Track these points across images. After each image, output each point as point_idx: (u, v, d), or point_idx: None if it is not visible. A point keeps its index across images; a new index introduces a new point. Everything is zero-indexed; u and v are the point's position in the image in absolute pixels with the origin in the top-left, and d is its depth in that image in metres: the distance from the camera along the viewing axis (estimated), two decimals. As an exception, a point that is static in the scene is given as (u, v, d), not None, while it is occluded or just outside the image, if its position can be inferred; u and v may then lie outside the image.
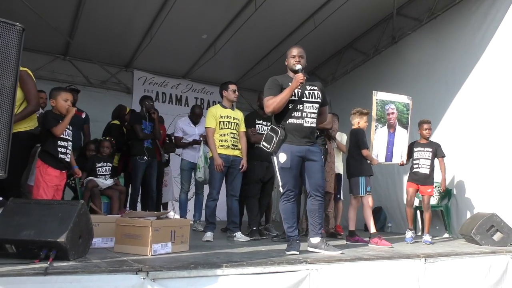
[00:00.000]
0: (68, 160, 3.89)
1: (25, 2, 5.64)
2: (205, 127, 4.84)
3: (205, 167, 5.25)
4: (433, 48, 6.60)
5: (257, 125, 5.30)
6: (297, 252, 3.48)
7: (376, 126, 5.01)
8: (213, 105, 8.03)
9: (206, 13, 6.72)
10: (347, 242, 4.77)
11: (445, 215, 5.99)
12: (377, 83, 7.28)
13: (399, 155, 5.22)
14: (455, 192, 6.03)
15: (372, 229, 4.64)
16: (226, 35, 7.28)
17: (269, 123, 5.19)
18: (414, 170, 5.32)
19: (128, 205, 5.97)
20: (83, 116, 6.06)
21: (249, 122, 5.22)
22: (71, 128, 3.95)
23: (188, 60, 8.45)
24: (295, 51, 3.76)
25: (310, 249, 3.63)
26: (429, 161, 5.26)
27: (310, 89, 3.70)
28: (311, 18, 6.97)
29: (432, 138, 5.47)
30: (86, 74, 8.06)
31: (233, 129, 4.78)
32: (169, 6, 6.26)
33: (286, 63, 3.83)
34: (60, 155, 3.76)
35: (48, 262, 2.45)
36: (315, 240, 3.64)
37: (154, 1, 6.35)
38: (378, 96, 5.12)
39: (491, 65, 5.65)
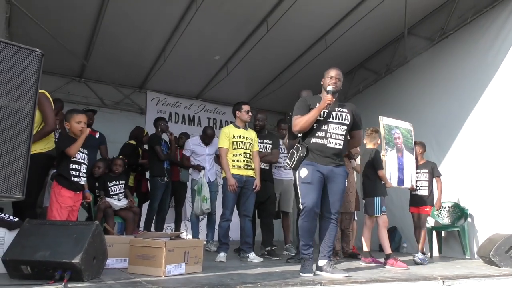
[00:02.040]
0: (83, 183, 3.89)
1: (42, 26, 5.78)
2: (218, 147, 4.86)
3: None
4: (446, 67, 6.59)
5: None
6: (311, 274, 3.42)
7: (386, 149, 5.05)
8: (225, 125, 8.08)
9: (219, 35, 6.83)
10: (362, 263, 4.70)
11: (461, 236, 5.88)
12: (389, 102, 7.30)
13: (409, 179, 5.25)
14: (471, 212, 5.93)
15: (388, 250, 4.57)
16: (239, 56, 7.37)
17: (266, 141, 5.26)
18: (413, 192, 5.34)
19: (143, 225, 5.99)
20: (97, 136, 6.04)
21: None
22: (86, 152, 3.94)
23: (201, 81, 8.55)
24: (333, 72, 3.73)
25: (316, 272, 3.57)
26: (427, 182, 5.33)
27: (338, 111, 3.69)
28: (322, 39, 7.04)
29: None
30: (101, 95, 8.20)
31: (247, 149, 4.78)
32: (182, 28, 6.38)
33: (322, 83, 3.80)
34: (73, 178, 3.76)
35: (63, 283, 2.45)
36: (321, 262, 3.59)
37: (167, 24, 6.48)
38: (384, 121, 5.20)
39: (505, 83, 5.61)
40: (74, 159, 3.78)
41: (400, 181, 5.16)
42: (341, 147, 3.66)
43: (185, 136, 6.84)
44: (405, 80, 7.35)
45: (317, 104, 3.63)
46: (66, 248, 2.70)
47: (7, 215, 3.15)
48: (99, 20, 6.16)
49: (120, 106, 8.42)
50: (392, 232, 6.84)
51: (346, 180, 3.72)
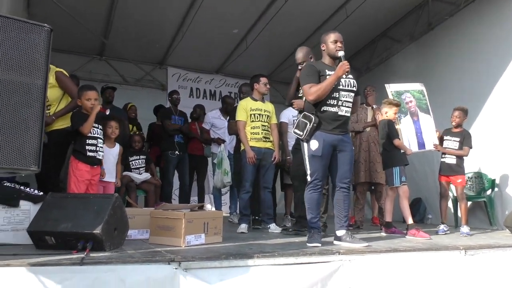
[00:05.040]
0: (100, 157, 3.95)
1: (60, 5, 5.83)
2: (236, 120, 4.85)
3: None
4: (473, 33, 6.28)
5: None
6: (319, 244, 3.39)
7: (399, 116, 4.92)
8: (246, 98, 8.03)
9: (236, 8, 6.74)
10: (384, 234, 4.67)
11: (488, 206, 5.75)
12: (414, 71, 7.09)
13: (431, 140, 5.10)
14: (499, 182, 5.77)
15: (409, 220, 4.52)
16: (257, 29, 7.27)
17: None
18: (441, 160, 5.18)
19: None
20: (107, 113, 6.07)
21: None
22: (100, 127, 3.98)
23: (220, 55, 8.51)
24: (334, 36, 3.61)
25: (335, 242, 3.57)
26: (455, 150, 5.08)
27: (346, 77, 3.57)
28: (342, 8, 6.84)
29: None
30: (122, 73, 8.29)
31: (264, 122, 4.78)
32: (198, 3, 6.32)
33: (322, 48, 3.69)
34: (89, 153, 3.82)
35: (85, 253, 2.53)
36: (340, 232, 3.56)
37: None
38: (391, 88, 5.09)
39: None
40: (90, 134, 3.83)
41: (421, 145, 5.06)
42: (349, 114, 3.61)
43: (199, 108, 6.82)
44: (430, 47, 7.08)
45: (326, 70, 3.53)
46: (88, 220, 2.78)
47: (32, 189, 3.26)
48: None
49: (141, 83, 8.51)
50: (417, 203, 6.76)
51: (353, 147, 3.65)
